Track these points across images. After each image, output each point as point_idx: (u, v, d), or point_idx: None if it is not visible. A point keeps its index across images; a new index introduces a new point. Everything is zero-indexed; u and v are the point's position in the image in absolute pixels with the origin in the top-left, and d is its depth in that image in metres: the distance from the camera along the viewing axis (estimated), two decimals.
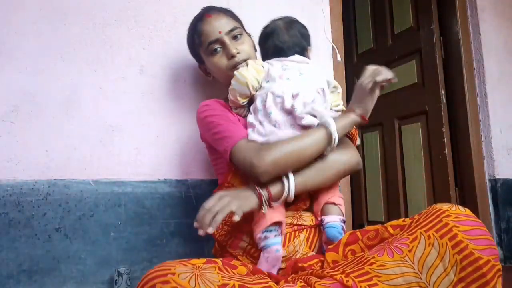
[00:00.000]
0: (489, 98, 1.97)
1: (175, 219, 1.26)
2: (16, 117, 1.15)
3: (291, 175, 0.90)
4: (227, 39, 1.06)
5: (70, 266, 1.13)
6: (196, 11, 1.46)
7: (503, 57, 2.07)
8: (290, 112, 0.94)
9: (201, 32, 1.09)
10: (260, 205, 0.88)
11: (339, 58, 1.55)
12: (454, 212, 0.73)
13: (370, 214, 2.43)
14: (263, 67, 1.03)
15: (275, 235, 0.89)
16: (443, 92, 2.03)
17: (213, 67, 1.11)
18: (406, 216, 2.15)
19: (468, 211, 0.75)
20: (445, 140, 1.97)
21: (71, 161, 1.19)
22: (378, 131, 2.39)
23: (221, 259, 0.84)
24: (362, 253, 0.80)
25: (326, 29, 1.62)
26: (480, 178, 1.91)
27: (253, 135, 0.96)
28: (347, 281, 0.71)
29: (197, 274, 0.67)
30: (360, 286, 0.69)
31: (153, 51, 1.34)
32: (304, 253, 0.93)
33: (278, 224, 0.90)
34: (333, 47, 1.59)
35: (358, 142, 1.12)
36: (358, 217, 2.43)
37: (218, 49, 1.07)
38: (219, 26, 1.07)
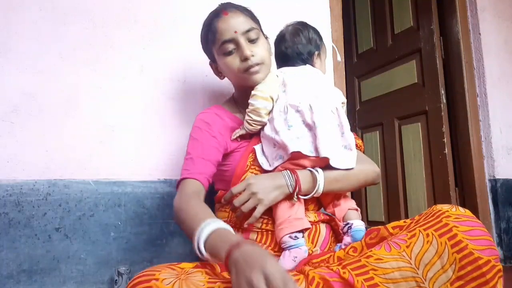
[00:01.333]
0: (489, 98, 1.97)
1: None
2: (16, 117, 1.15)
3: (320, 171, 0.92)
4: (242, 40, 1.01)
5: (70, 266, 1.13)
6: (196, 11, 1.46)
7: (503, 57, 2.07)
8: (310, 127, 0.95)
9: (216, 30, 1.02)
10: (289, 196, 0.91)
11: (339, 58, 1.55)
12: (454, 213, 0.74)
13: (370, 214, 2.43)
14: (277, 76, 1.03)
15: (302, 236, 0.91)
16: (443, 92, 2.03)
17: (225, 67, 1.06)
18: (406, 216, 2.16)
19: (468, 212, 0.75)
20: (445, 140, 1.97)
21: (71, 161, 1.19)
22: (378, 131, 2.39)
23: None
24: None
25: (326, 29, 1.62)
26: (480, 178, 1.91)
27: (268, 146, 0.99)
28: (344, 272, 0.71)
29: (182, 279, 0.66)
30: (357, 280, 0.70)
31: (153, 51, 1.34)
32: (307, 248, 0.93)
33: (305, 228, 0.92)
34: (333, 47, 1.59)
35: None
36: None
37: (233, 50, 1.02)
38: (235, 25, 1.01)
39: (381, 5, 2.44)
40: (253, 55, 1.01)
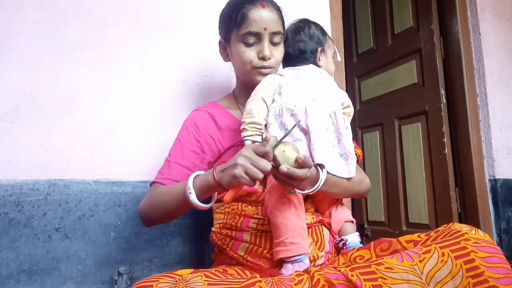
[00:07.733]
0: (489, 98, 1.97)
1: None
2: (16, 117, 1.15)
3: (325, 172, 0.88)
4: (267, 39, 0.99)
5: (70, 266, 1.13)
6: (196, 11, 1.46)
7: (503, 57, 2.07)
8: (306, 132, 0.92)
9: (246, 16, 0.98)
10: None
11: (339, 58, 1.55)
12: (473, 236, 0.73)
13: (370, 214, 2.43)
14: (274, 79, 1.00)
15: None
16: (443, 92, 2.03)
17: (237, 55, 1.02)
18: (406, 216, 2.16)
19: (487, 237, 0.74)
20: (445, 140, 1.97)
21: (71, 161, 1.19)
22: (378, 131, 2.39)
23: (215, 269, 0.83)
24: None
25: (326, 29, 1.62)
26: (480, 178, 1.91)
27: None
28: (352, 275, 0.71)
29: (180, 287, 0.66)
30: (365, 285, 0.69)
31: (153, 51, 1.33)
32: (313, 254, 0.92)
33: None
34: None
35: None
36: (358, 217, 2.43)
37: (254, 44, 1.00)
38: (268, 22, 0.99)
39: (381, 5, 2.44)
40: (270, 58, 1.00)
